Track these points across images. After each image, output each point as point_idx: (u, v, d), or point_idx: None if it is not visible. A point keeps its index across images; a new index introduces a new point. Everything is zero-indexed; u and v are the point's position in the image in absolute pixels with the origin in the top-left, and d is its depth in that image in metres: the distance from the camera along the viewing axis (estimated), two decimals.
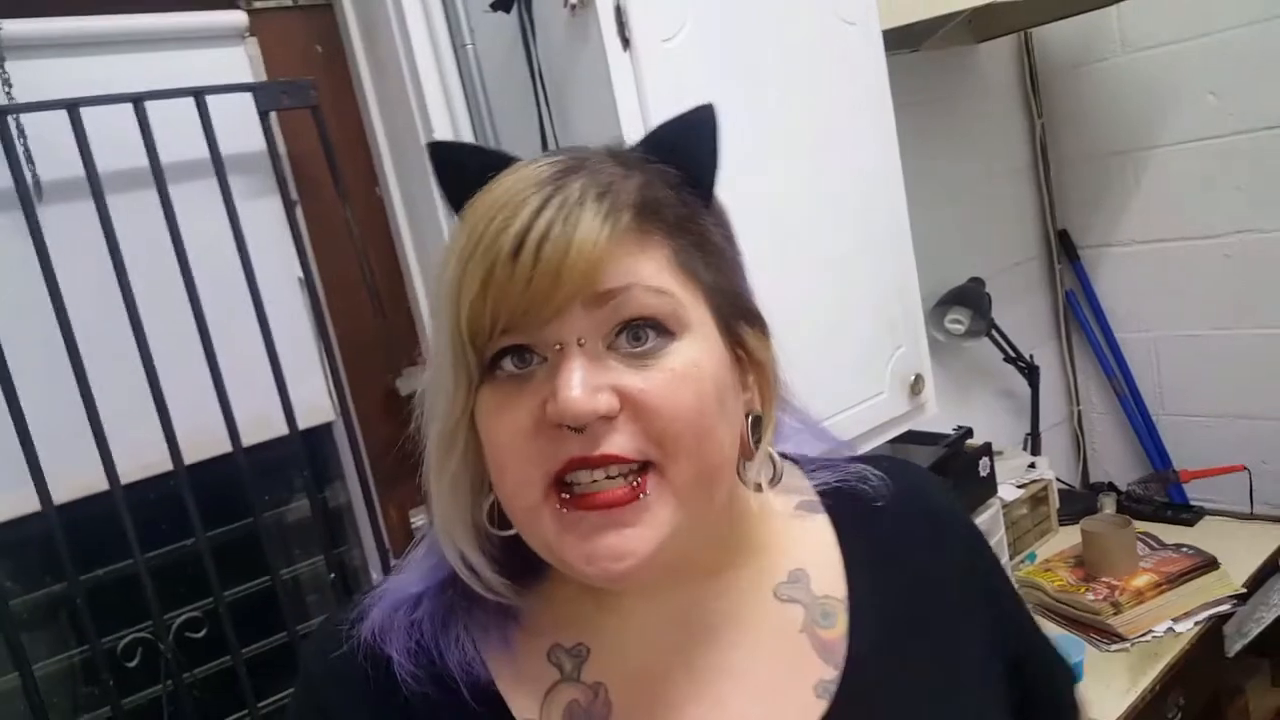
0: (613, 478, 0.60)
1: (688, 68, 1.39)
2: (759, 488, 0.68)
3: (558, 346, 0.59)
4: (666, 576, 0.67)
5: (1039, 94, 2.77)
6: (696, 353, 0.62)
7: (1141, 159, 2.64)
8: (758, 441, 0.68)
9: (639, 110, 1.34)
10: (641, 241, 0.61)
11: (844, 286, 1.63)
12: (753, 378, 0.69)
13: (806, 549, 0.75)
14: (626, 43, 1.32)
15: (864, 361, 1.67)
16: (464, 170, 0.64)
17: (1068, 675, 0.88)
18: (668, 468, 0.60)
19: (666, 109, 1.36)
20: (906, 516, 0.77)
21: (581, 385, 0.58)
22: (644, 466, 0.60)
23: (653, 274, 0.61)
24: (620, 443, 0.59)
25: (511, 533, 0.65)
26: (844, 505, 0.77)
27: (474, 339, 0.60)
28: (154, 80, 1.35)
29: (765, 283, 1.50)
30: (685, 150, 0.66)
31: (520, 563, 0.68)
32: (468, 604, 0.69)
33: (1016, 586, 2.12)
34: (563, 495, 0.60)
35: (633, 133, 1.35)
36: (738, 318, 0.67)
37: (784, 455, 0.73)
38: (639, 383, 0.59)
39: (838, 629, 0.72)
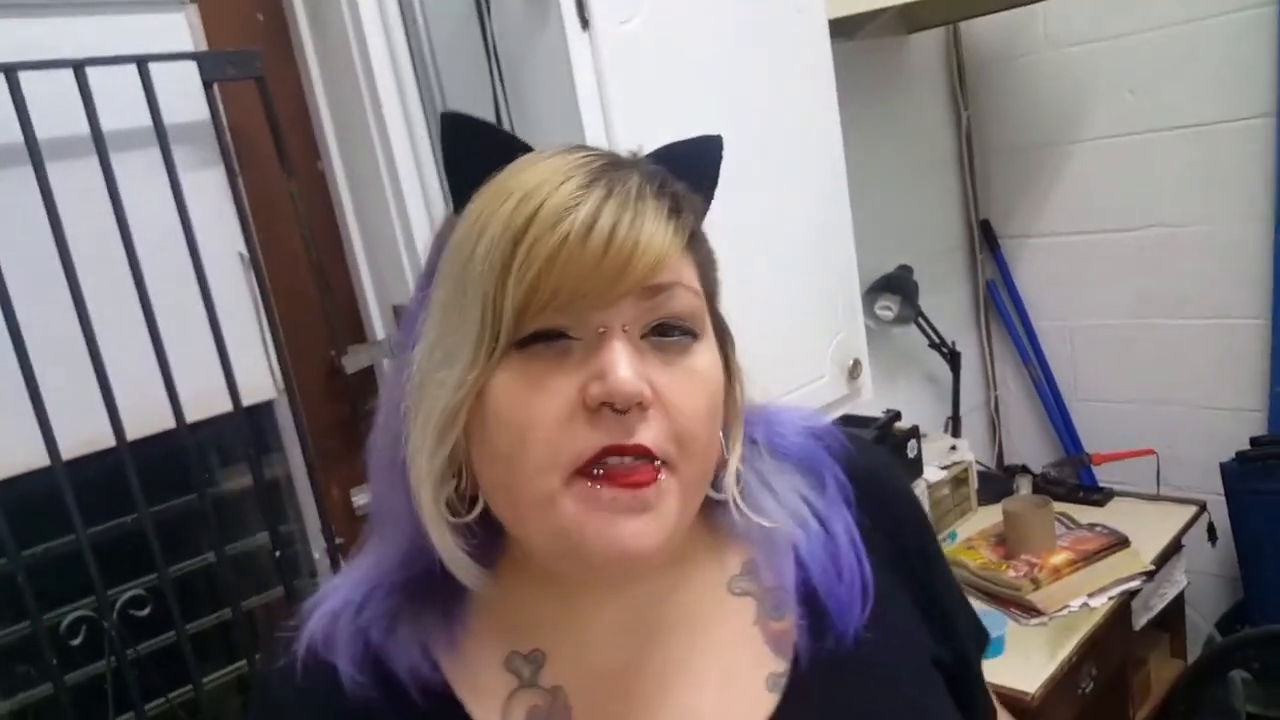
0: (637, 462, 0.60)
1: (643, 51, 1.40)
2: (735, 505, 0.69)
3: (601, 330, 0.59)
4: (630, 574, 0.67)
5: (966, 86, 2.84)
6: (710, 357, 0.65)
7: (1062, 152, 2.74)
8: (728, 450, 0.69)
9: (596, 92, 1.35)
10: (682, 245, 0.62)
11: (790, 271, 1.67)
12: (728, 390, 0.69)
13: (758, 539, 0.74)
14: (585, 23, 1.33)
15: (807, 346, 1.71)
16: (476, 149, 0.64)
17: (984, 641, 0.88)
18: (680, 467, 0.62)
19: (622, 91, 1.39)
20: (861, 499, 0.75)
21: (630, 368, 0.59)
22: (658, 464, 0.61)
23: (691, 277, 0.64)
24: (651, 435, 0.60)
25: (474, 516, 0.64)
26: None
27: (520, 310, 0.58)
28: (92, 46, 1.30)
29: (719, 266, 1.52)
30: (695, 170, 0.67)
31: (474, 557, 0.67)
32: (415, 608, 0.68)
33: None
34: (595, 472, 0.59)
35: (589, 115, 1.36)
36: (723, 333, 0.70)
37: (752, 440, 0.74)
38: (666, 379, 0.61)
39: (787, 620, 0.72)
